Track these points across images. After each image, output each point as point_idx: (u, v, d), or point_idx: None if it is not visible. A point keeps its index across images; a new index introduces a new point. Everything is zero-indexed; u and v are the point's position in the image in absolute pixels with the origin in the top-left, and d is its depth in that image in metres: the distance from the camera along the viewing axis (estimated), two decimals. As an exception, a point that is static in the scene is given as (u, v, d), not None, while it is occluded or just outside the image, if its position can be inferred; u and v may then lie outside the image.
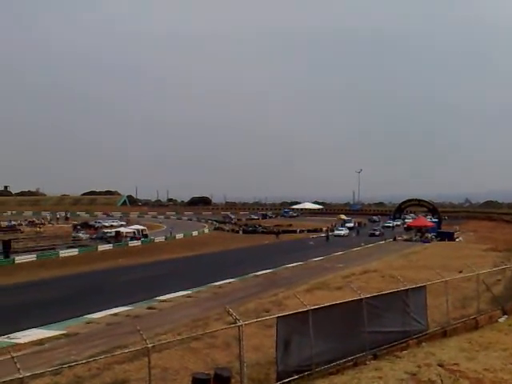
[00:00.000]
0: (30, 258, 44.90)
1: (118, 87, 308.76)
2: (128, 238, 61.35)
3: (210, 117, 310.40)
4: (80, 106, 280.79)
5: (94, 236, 64.93)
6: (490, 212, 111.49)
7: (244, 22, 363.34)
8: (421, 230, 65.08)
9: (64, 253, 48.95)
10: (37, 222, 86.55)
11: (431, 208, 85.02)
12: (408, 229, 72.37)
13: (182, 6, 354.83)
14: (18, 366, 7.66)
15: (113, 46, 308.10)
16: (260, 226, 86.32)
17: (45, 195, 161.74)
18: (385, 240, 62.64)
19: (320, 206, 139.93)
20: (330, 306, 12.62)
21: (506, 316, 18.15)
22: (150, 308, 23.63)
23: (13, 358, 7.84)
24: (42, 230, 74.43)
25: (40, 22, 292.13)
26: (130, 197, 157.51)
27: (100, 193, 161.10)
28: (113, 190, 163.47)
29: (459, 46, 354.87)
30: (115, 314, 22.32)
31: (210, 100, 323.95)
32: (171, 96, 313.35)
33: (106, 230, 68.68)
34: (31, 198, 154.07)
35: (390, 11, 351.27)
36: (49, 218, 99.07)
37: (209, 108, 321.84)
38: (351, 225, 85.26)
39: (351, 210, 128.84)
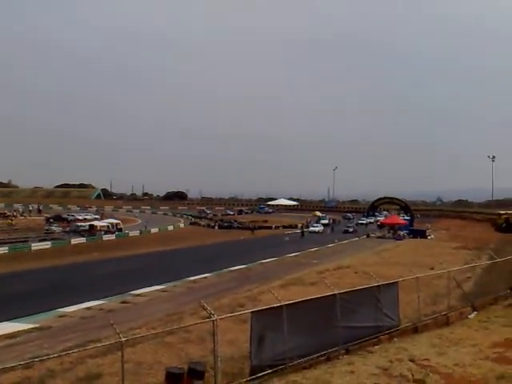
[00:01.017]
0: (2, 250, 44.14)
1: (94, 80, 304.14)
2: (102, 232, 60.75)
3: (186, 114, 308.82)
4: (53, 99, 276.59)
5: (68, 229, 64.15)
6: (461, 211, 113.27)
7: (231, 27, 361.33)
8: (393, 228, 65.92)
9: (36, 246, 48.26)
10: (8, 214, 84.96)
11: (403, 206, 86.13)
12: (381, 226, 73.23)
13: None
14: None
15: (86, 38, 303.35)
16: (235, 221, 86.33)
17: (17, 187, 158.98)
18: (358, 237, 63.30)
19: (295, 203, 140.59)
20: (303, 301, 12.74)
21: (475, 312, 18.56)
22: (124, 302, 23.46)
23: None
24: (13, 222, 73.13)
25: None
26: (104, 190, 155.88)
27: (74, 186, 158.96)
28: (87, 183, 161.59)
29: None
30: (89, 308, 22.12)
31: (185, 98, 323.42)
32: (147, 91, 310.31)
33: (79, 224, 67.88)
34: (3, 189, 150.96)
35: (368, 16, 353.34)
36: (21, 210, 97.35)
37: (185, 105, 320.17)
38: (326, 221, 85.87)
39: (326, 206, 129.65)
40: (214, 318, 10.40)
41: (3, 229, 64.53)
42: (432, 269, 23.90)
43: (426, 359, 11.96)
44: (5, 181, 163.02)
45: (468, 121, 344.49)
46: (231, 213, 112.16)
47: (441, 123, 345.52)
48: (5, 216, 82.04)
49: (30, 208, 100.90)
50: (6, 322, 19.12)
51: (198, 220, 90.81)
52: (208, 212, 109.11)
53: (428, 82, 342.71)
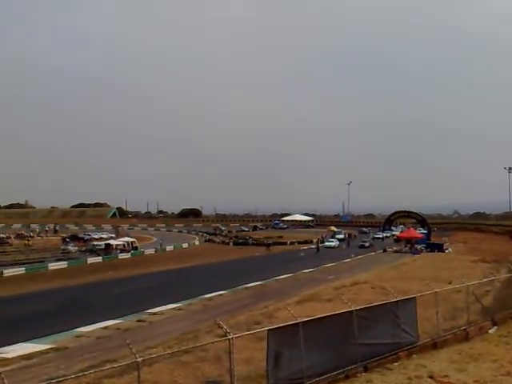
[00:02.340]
0: (19, 271, 44.49)
1: (107, 102, 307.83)
2: (118, 251, 60.98)
3: (199, 132, 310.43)
4: (67, 121, 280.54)
5: (84, 248, 64.50)
6: (478, 223, 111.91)
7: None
8: (410, 242, 65.32)
9: (53, 266, 48.54)
10: (25, 234, 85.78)
11: (420, 219, 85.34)
12: (398, 240, 72.65)
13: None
14: (6, 382, 7.58)
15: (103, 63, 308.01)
16: (250, 237, 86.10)
17: (34, 208, 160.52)
18: (375, 251, 62.81)
19: (310, 218, 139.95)
20: (320, 318, 12.62)
21: (495, 327, 18.23)
22: (140, 321, 23.45)
23: (0, 373, 7.76)
24: (30, 242, 73.71)
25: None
26: (119, 209, 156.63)
27: (89, 205, 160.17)
28: (102, 202, 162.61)
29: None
30: (105, 328, 22.13)
31: (198, 117, 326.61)
32: (160, 112, 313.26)
33: (95, 243, 68.23)
34: (20, 210, 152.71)
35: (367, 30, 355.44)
36: (38, 230, 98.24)
37: (197, 123, 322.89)
38: (341, 236, 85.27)
39: (341, 221, 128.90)
40: (230, 337, 10.33)
41: (20, 249, 65.10)
42: (450, 283, 23.58)
43: (445, 376, 11.76)
44: (22, 202, 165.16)
45: (483, 134, 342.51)
46: (246, 229, 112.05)
47: (456, 137, 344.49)
48: (22, 237, 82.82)
49: (47, 228, 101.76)
50: (22, 343, 19.18)
51: (212, 237, 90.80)
52: (223, 229, 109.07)
53: (442, 100, 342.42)
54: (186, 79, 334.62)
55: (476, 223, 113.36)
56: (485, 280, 23.71)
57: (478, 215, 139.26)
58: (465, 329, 17.14)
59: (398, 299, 14.77)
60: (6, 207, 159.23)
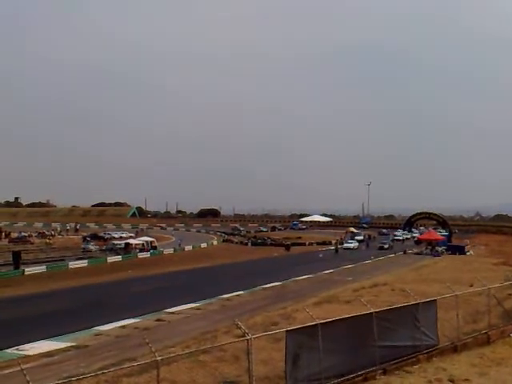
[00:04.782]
0: (40, 269, 44.94)
1: (125, 101, 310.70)
2: (137, 250, 61.39)
3: (219, 130, 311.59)
4: (88, 120, 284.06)
5: (104, 247, 65.01)
6: (500, 226, 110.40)
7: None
8: (431, 244, 64.67)
9: (73, 264, 48.98)
10: (47, 233, 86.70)
11: (441, 221, 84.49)
12: (418, 242, 72.00)
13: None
14: (28, 379, 7.68)
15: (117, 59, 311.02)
16: (269, 238, 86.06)
17: (55, 206, 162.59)
18: (395, 253, 62.25)
19: (329, 219, 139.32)
20: (339, 319, 12.57)
21: (517, 331, 17.94)
22: (158, 320, 23.56)
23: (22, 370, 7.87)
24: (51, 241, 74.50)
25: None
26: (139, 208, 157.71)
27: (110, 204, 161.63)
28: (122, 201, 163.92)
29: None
30: (124, 327, 22.24)
31: (219, 113, 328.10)
32: (183, 110, 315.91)
33: (115, 242, 68.77)
34: (41, 209, 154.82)
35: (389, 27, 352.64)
36: (59, 229, 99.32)
37: (219, 121, 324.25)
38: (361, 238, 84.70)
39: (361, 222, 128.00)
40: (248, 337, 10.32)
41: (42, 248, 65.87)
42: (471, 286, 23.24)
43: (466, 379, 11.61)
44: (43, 201, 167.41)
45: (502, 136, 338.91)
46: (264, 229, 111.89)
47: (478, 139, 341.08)
48: (43, 235, 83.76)
49: (68, 227, 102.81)
50: (43, 341, 19.38)
51: (231, 237, 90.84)
52: (241, 229, 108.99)
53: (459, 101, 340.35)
54: (193, 80, 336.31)
55: (498, 225, 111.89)
56: (507, 283, 23.35)
57: (499, 217, 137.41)
58: (486, 332, 16.91)
59: (419, 302, 14.63)
60: (28, 206, 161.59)
